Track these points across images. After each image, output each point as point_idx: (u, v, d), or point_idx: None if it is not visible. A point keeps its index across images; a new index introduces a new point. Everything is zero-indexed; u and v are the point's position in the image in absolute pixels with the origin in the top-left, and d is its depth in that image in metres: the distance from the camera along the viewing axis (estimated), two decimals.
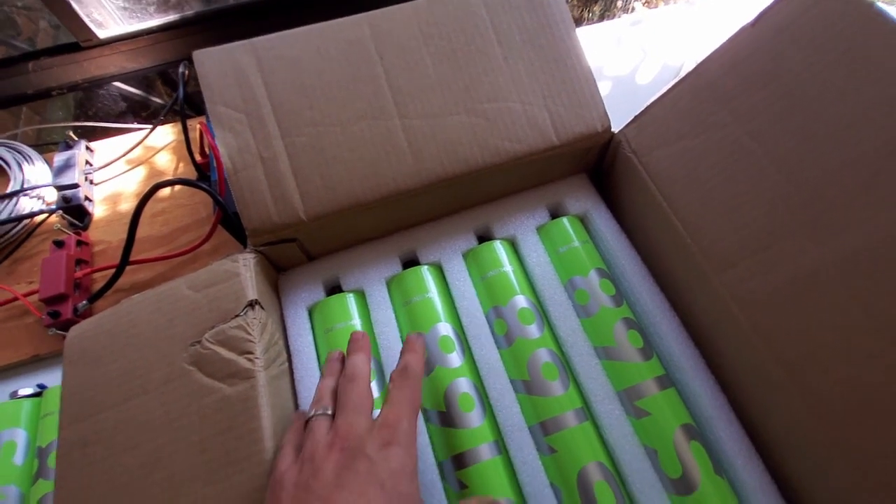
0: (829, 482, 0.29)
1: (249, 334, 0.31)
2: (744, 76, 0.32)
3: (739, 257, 0.31)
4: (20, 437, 0.41)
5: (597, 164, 0.43)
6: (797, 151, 0.30)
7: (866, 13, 0.28)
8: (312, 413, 0.27)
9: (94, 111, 1.01)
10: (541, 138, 0.37)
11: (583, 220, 0.42)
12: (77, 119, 0.90)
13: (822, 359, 0.28)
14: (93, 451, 0.29)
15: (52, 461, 0.39)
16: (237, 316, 0.32)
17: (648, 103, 0.37)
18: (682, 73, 0.36)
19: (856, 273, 0.27)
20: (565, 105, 0.38)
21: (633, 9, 1.30)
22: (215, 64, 0.35)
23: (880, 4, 0.28)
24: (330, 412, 0.27)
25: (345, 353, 0.32)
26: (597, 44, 0.67)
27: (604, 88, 0.63)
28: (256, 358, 0.31)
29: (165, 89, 1.09)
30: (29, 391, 0.44)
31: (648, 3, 1.28)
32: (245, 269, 0.34)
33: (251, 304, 0.33)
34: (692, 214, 0.34)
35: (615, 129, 0.39)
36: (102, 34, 0.63)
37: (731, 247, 0.32)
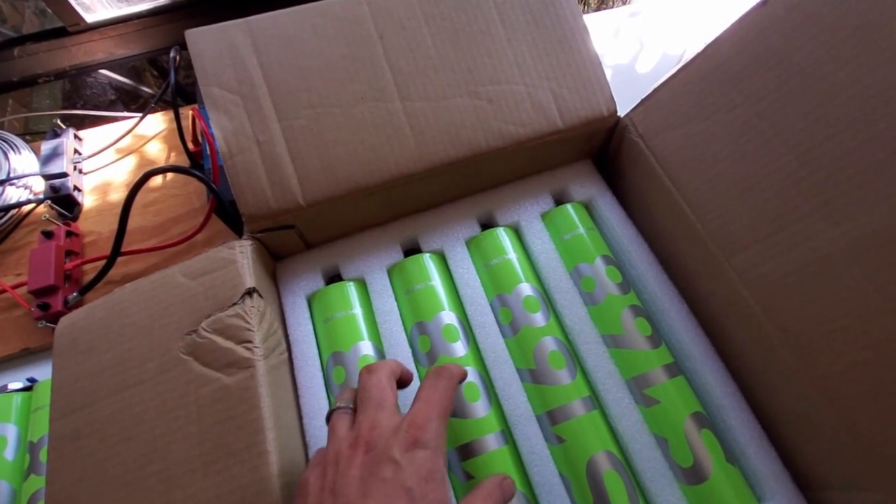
0: (841, 468, 0.28)
1: (248, 323, 0.30)
2: (754, 56, 0.32)
3: (750, 241, 0.31)
4: (10, 432, 0.40)
5: (601, 150, 0.42)
6: (809, 132, 0.29)
7: None
8: (333, 408, 0.26)
9: (82, 102, 0.98)
10: (545, 122, 0.36)
11: (588, 207, 0.41)
12: (64, 109, 0.88)
13: (836, 343, 0.27)
14: (86, 443, 0.27)
15: (44, 456, 0.38)
16: (235, 304, 0.31)
17: (655, 86, 0.37)
18: (682, 63, 0.35)
19: (871, 255, 0.26)
20: (570, 88, 0.37)
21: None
22: (209, 44, 0.34)
23: None
24: (352, 406, 0.26)
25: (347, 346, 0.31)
26: (595, 34, 0.66)
27: None
28: (255, 347, 0.29)
29: (155, 81, 1.07)
30: (19, 385, 0.43)
31: None
32: (242, 256, 0.33)
33: (249, 293, 0.31)
34: (701, 198, 0.33)
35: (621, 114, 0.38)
36: (90, 18, 0.61)
37: (742, 230, 0.31)
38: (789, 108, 0.30)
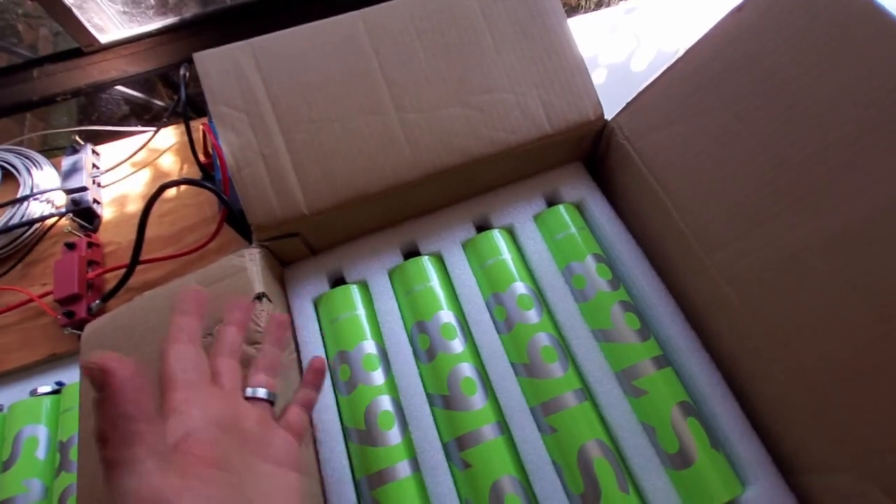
0: (816, 452, 0.30)
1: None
2: (729, 60, 0.33)
3: (730, 238, 0.32)
4: (41, 432, 0.43)
5: (592, 153, 0.44)
6: (781, 133, 0.30)
7: None
8: None
9: (97, 116, 1.02)
10: (534, 128, 0.38)
11: (579, 208, 0.43)
12: (80, 124, 0.91)
13: (805, 336, 0.29)
14: None
15: (74, 454, 0.41)
16: None
17: (640, 90, 0.38)
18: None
19: (841, 250, 0.27)
20: (558, 94, 0.39)
21: None
22: (215, 65, 0.36)
23: None
24: None
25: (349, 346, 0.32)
26: (592, 32, 0.68)
27: (599, 76, 0.64)
28: None
29: (167, 91, 1.10)
30: (48, 389, 0.45)
31: None
32: (251, 263, 0.35)
33: (259, 297, 0.34)
34: (684, 198, 0.35)
35: (611, 116, 0.40)
36: (104, 39, 0.64)
37: (722, 228, 0.32)
38: (762, 110, 0.31)
